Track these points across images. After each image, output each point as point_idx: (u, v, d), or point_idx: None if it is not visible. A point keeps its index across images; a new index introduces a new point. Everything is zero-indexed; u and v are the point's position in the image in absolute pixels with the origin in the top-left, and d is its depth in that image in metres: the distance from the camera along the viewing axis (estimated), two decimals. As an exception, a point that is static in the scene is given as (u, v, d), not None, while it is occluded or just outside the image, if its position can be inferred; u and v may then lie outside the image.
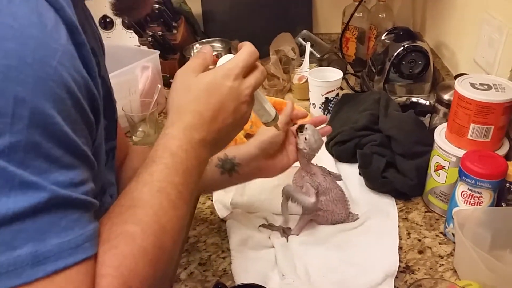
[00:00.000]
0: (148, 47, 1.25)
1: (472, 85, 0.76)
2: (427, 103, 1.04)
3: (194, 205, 0.87)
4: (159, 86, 1.14)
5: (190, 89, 0.53)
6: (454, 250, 0.77)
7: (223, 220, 0.85)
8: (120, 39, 1.40)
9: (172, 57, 1.30)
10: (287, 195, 0.80)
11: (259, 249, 0.78)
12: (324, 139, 1.05)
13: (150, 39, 1.23)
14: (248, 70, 0.56)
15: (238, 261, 0.75)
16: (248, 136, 1.06)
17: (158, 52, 1.17)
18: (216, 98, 0.53)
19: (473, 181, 0.71)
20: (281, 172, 0.82)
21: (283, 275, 0.71)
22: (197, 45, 1.32)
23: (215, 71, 0.54)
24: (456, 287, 0.62)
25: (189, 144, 0.51)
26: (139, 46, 1.30)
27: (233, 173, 0.76)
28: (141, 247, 0.42)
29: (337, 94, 1.11)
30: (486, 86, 0.75)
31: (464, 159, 0.73)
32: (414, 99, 1.09)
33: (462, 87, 0.75)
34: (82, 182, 0.40)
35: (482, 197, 0.72)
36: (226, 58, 0.58)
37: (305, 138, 0.78)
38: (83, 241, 0.38)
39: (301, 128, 0.79)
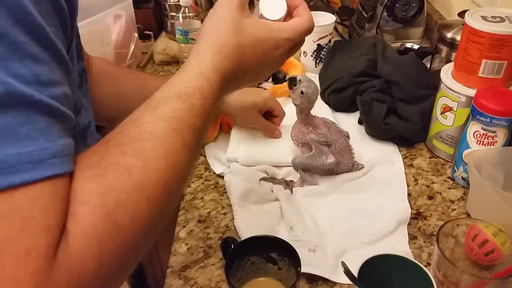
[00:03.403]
0: (120, -6, 1.13)
1: (484, 18, 0.71)
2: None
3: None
4: (136, 35, 1.04)
5: (239, 32, 0.46)
6: (464, 194, 0.74)
7: (220, 176, 0.79)
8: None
9: (146, 5, 1.18)
10: (303, 167, 0.74)
11: (263, 202, 0.72)
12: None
13: (121, -15, 1.11)
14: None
15: (241, 215, 0.69)
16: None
17: (132, -2, 1.06)
18: (257, 59, 0.48)
19: (488, 119, 0.67)
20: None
21: (291, 227, 0.66)
22: (174, -8, 1.20)
23: (271, 31, 0.48)
24: (478, 227, 0.58)
25: (219, 93, 0.45)
26: (109, -7, 1.17)
27: None
28: (138, 181, 0.35)
29: (329, 41, 1.04)
30: (498, 19, 0.70)
31: (478, 97, 0.69)
32: (408, 45, 1.04)
33: (473, 20, 0.70)
34: (53, 82, 0.32)
35: (496, 136, 0.69)
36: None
37: (301, 92, 0.71)
38: (49, 156, 0.31)
39: (293, 81, 0.72)
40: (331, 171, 0.76)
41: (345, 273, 0.48)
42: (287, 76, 1.03)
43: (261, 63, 0.48)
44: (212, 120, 0.46)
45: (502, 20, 0.70)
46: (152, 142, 0.37)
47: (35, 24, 0.31)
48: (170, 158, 0.38)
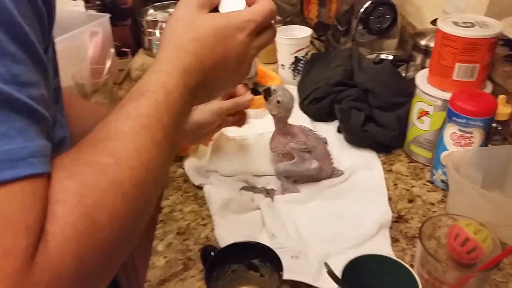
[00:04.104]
0: (96, 12, 1.13)
1: (455, 23, 0.73)
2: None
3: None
4: (112, 50, 1.03)
5: (195, 26, 0.45)
6: (444, 196, 0.74)
7: (199, 187, 0.77)
8: (64, 7, 1.25)
9: (123, 23, 1.18)
10: (287, 175, 0.73)
11: (243, 212, 0.71)
12: (296, 98, 1.00)
13: (98, 2, 1.11)
14: (263, 28, 0.49)
15: (222, 226, 0.68)
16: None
17: (109, 15, 1.06)
18: (222, 48, 0.46)
19: (464, 121, 0.68)
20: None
21: (273, 235, 0.65)
22: (151, 10, 1.21)
23: (229, 17, 0.46)
24: (459, 227, 0.58)
25: (184, 88, 0.43)
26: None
27: None
28: (113, 179, 0.34)
29: (307, 53, 1.05)
30: (469, 24, 0.72)
31: (454, 99, 0.69)
32: (383, 56, 1.07)
33: (446, 25, 0.72)
34: (30, 83, 0.31)
35: (473, 137, 0.69)
36: None
37: (278, 102, 0.71)
38: (28, 155, 0.30)
39: (268, 92, 0.72)
40: (312, 178, 0.75)
41: (328, 273, 0.46)
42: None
43: (228, 52, 0.46)
44: (185, 119, 0.45)
45: (472, 25, 0.72)
46: (122, 141, 0.36)
47: (14, 23, 0.31)
48: (142, 156, 0.37)
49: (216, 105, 0.75)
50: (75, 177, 0.32)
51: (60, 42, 0.96)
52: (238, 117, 0.77)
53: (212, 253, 0.53)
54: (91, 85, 0.98)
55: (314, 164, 0.74)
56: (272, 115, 0.74)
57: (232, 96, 0.78)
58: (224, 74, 0.48)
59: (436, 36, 0.74)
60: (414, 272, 0.48)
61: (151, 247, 0.66)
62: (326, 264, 0.47)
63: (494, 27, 0.72)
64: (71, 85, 0.97)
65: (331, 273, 0.47)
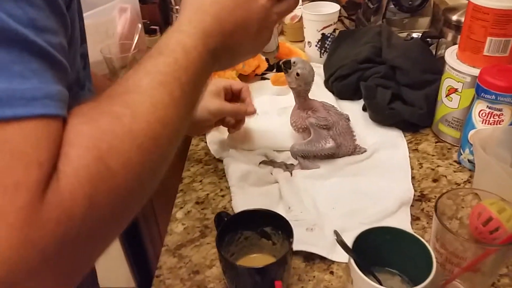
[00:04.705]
0: (125, -10, 1.15)
1: (488, -5, 0.69)
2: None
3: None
4: (140, 25, 1.04)
5: None
6: (471, 177, 0.71)
7: (219, 160, 0.78)
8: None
9: (152, 0, 1.19)
10: (302, 154, 0.73)
11: (261, 184, 0.71)
12: (322, 75, 0.98)
13: (127, -21, 1.13)
14: None
15: (239, 197, 0.68)
16: (240, 76, 0.98)
17: (137, -9, 1.07)
18: (243, 12, 0.46)
19: (493, 97, 0.65)
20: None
21: (289, 208, 0.65)
22: (179, -13, 1.21)
23: None
24: (483, 206, 0.56)
25: (203, 48, 0.43)
26: (115, -12, 1.19)
27: None
28: (128, 129, 0.34)
29: (334, 30, 1.03)
30: (503, -5, 0.68)
31: (482, 74, 0.66)
32: (415, 35, 1.03)
33: (477, -3, 0.68)
34: (48, 29, 0.32)
35: (502, 114, 0.66)
36: None
37: (297, 74, 0.70)
38: (42, 96, 0.30)
39: (287, 65, 0.71)
40: (331, 155, 0.74)
41: (338, 242, 0.46)
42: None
43: (248, 15, 0.46)
44: (204, 80, 0.44)
45: (506, -4, 0.68)
46: (139, 95, 0.37)
47: None
48: (159, 111, 0.37)
49: (216, 105, 0.74)
50: (92, 122, 0.33)
51: (89, 17, 0.98)
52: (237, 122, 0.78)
53: (226, 219, 0.54)
54: (119, 59, 1.00)
55: (329, 143, 0.72)
56: (291, 88, 0.73)
57: (236, 95, 0.77)
58: (245, 38, 0.47)
59: (467, 9, 0.71)
60: (428, 245, 0.47)
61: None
62: (336, 233, 0.47)
63: (532, -2, 0.68)
64: (100, 60, 0.99)
65: (341, 242, 0.46)
